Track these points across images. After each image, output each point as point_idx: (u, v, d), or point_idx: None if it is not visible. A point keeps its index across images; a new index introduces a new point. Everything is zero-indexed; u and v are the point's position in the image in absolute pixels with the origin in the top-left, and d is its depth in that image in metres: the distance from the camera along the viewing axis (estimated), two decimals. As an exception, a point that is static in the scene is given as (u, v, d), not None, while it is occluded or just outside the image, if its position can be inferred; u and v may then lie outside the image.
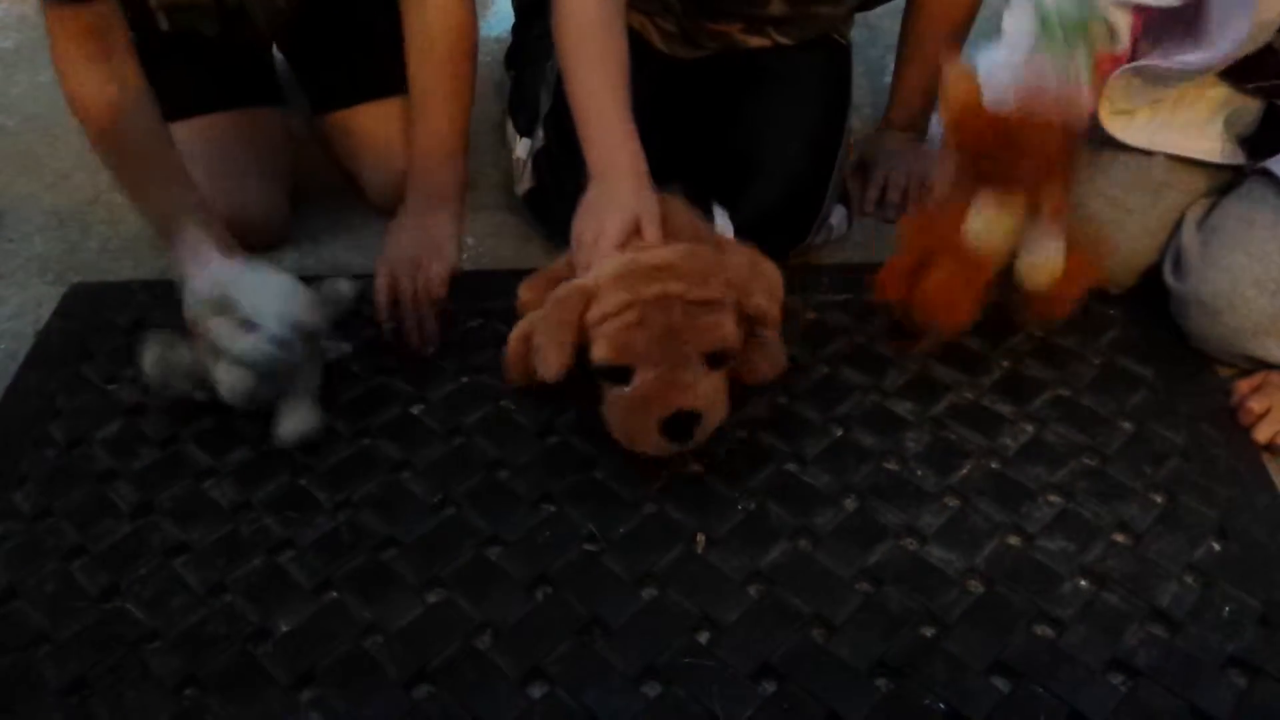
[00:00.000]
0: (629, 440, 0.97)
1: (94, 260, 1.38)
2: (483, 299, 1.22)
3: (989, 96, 0.98)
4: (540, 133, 1.32)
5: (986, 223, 1.04)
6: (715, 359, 0.96)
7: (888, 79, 1.68)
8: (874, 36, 1.78)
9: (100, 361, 1.17)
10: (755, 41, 1.36)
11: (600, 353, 0.94)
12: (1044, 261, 1.06)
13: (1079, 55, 0.97)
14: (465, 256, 1.36)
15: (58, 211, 1.47)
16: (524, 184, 1.35)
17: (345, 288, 1.12)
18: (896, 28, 1.81)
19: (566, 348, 0.94)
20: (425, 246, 1.18)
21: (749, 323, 0.99)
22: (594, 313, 0.94)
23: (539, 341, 0.96)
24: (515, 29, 1.56)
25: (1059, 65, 0.97)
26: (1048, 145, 0.99)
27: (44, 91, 1.74)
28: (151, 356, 1.05)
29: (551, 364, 0.95)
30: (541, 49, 1.26)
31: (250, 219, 1.26)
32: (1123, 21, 1.07)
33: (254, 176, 1.32)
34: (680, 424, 0.94)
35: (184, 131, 1.24)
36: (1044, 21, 0.96)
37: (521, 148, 1.35)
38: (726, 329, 0.96)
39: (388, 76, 1.39)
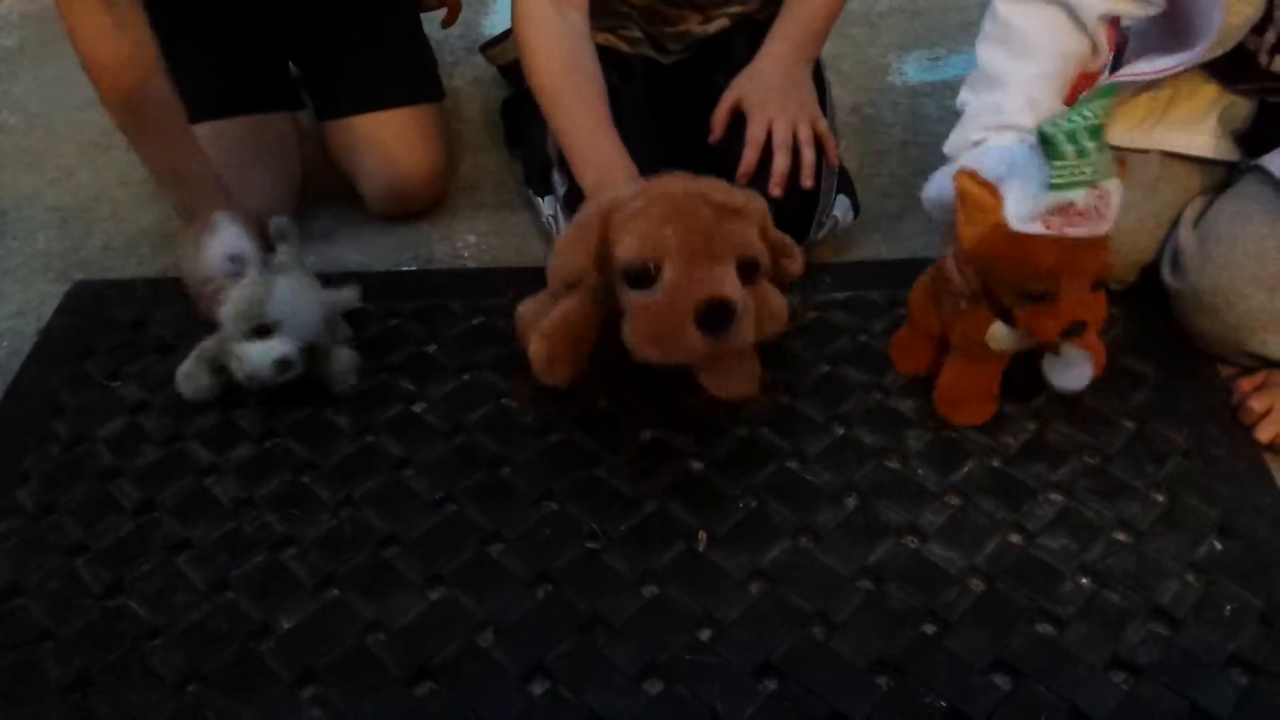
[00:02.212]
0: (660, 345, 0.92)
1: (97, 258, 1.38)
2: (484, 296, 1.22)
3: (1013, 218, 0.90)
4: (558, 176, 1.30)
5: (1013, 336, 0.99)
6: (744, 270, 0.92)
7: (890, 78, 1.69)
8: (874, 35, 1.78)
9: (103, 359, 1.17)
10: (715, 26, 1.35)
11: (628, 250, 0.89)
12: (1077, 378, 1.01)
13: (1099, 163, 0.87)
14: (466, 254, 1.37)
15: (60, 209, 1.48)
16: (563, 231, 1.31)
17: (350, 295, 1.19)
18: (898, 25, 1.82)
19: (590, 249, 0.90)
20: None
21: (774, 256, 0.96)
22: (619, 216, 0.90)
23: (558, 250, 0.92)
24: (505, 108, 1.55)
25: (1079, 187, 0.88)
26: (1086, 272, 0.93)
27: (47, 89, 1.75)
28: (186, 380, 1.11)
29: (576, 264, 0.91)
30: (532, 109, 1.24)
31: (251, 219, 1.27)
32: (1102, 37, 1.08)
33: (260, 178, 1.32)
34: (716, 314, 0.89)
35: (197, 134, 1.24)
36: (1051, 142, 0.86)
37: (548, 205, 1.33)
38: (753, 237, 0.93)
39: (391, 88, 1.40)
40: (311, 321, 1.06)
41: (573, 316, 1.02)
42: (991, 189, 0.92)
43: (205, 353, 1.09)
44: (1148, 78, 1.09)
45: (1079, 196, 0.88)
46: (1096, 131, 0.86)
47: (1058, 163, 0.86)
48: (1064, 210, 0.88)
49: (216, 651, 0.88)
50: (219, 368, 1.08)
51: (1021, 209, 0.89)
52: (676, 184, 0.94)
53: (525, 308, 1.12)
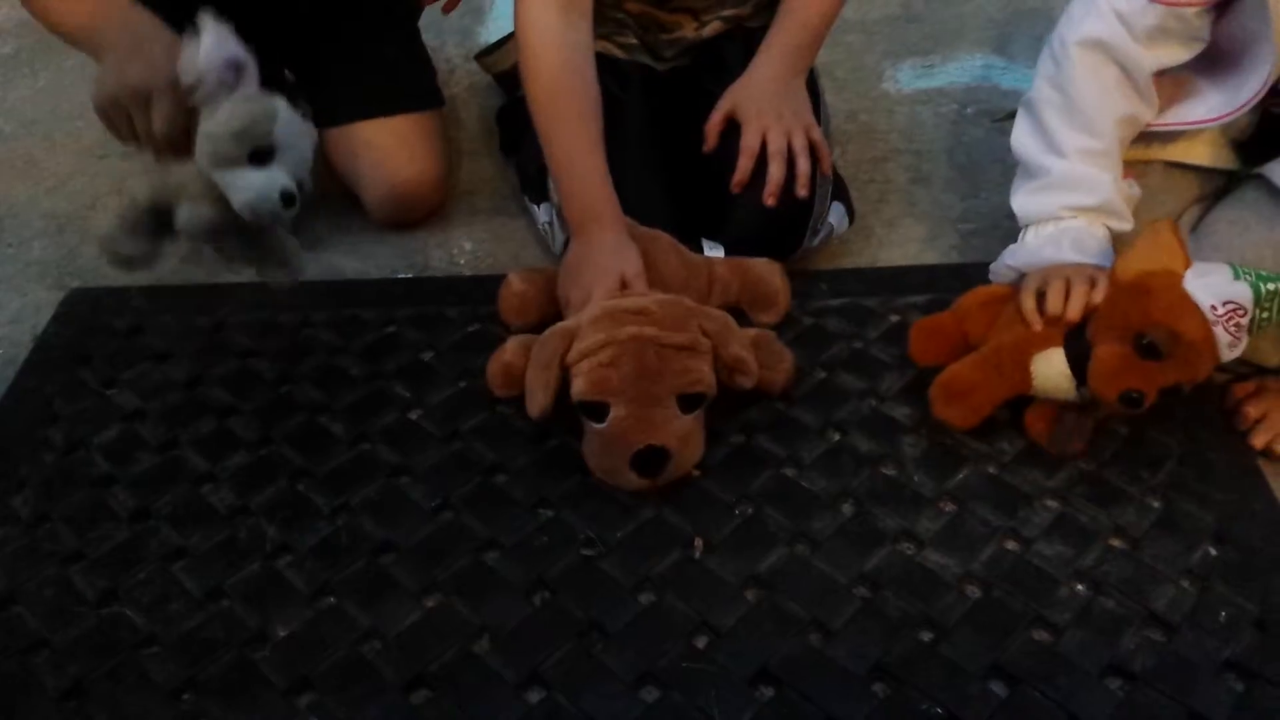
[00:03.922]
0: (602, 474, 1.00)
1: (92, 265, 1.38)
2: (480, 303, 1.22)
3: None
4: (553, 183, 1.30)
5: (1058, 376, 1.00)
6: (689, 402, 0.99)
7: (884, 84, 1.69)
8: (869, 42, 1.79)
9: (98, 366, 1.17)
10: (709, 31, 1.35)
11: (578, 389, 0.98)
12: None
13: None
14: (463, 261, 1.37)
15: (56, 216, 1.47)
16: (559, 238, 1.30)
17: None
18: (893, 32, 1.82)
19: (550, 388, 0.99)
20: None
21: (729, 371, 1.02)
22: (574, 351, 0.99)
23: (528, 379, 1.01)
24: (501, 115, 1.55)
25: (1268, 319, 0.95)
26: (1189, 365, 0.96)
27: (43, 96, 1.75)
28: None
29: (537, 402, 1.00)
30: (528, 117, 1.23)
31: None
32: (1153, 91, 1.09)
33: None
34: (650, 460, 0.96)
35: None
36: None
37: (543, 212, 1.33)
38: (700, 374, 0.99)
39: (390, 95, 1.40)
40: (307, 156, 0.95)
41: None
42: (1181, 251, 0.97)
43: (159, 187, 0.95)
44: (1202, 126, 1.10)
45: (1259, 316, 0.94)
46: None
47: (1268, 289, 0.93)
48: (1235, 311, 0.94)
49: (212, 660, 0.88)
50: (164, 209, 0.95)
51: (1197, 283, 0.95)
52: (630, 314, 0.99)
53: (516, 282, 1.17)
